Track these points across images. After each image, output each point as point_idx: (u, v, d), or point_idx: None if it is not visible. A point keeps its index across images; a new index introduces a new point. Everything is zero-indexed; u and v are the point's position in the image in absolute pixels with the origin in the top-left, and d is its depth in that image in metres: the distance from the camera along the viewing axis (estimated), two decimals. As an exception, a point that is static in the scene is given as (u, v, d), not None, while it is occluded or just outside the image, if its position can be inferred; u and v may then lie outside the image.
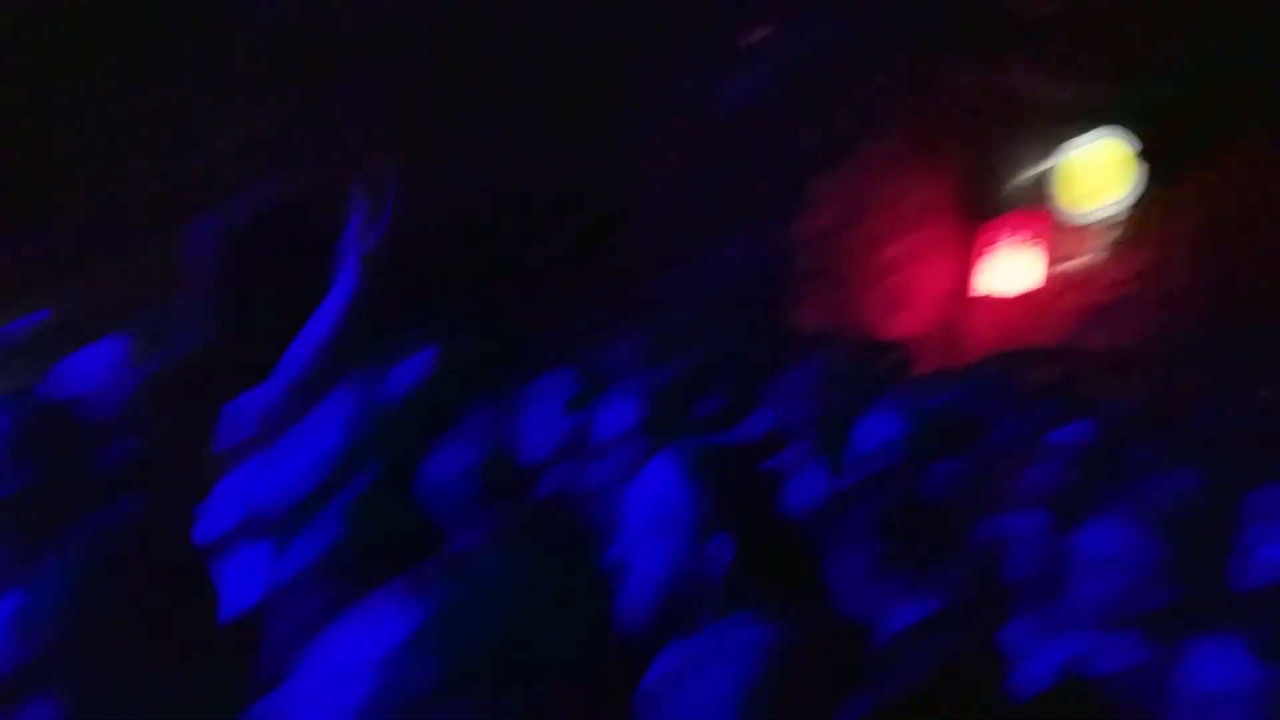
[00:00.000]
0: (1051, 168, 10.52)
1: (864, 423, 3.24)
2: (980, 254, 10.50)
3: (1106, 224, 10.66)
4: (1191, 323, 10.74)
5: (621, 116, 8.95)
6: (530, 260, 7.60)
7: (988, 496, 2.69)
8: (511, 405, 2.83)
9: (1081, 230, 10.67)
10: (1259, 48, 9.46)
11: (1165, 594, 2.18)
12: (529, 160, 7.83)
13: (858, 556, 2.06)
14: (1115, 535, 2.30)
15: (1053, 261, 10.57)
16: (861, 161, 10.02)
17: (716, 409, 4.26)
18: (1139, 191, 10.45)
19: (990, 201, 10.56)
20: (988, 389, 5.51)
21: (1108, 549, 2.32)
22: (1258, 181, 10.42)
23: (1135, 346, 10.62)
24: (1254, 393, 7.55)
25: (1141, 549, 2.26)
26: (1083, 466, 3.53)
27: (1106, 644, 2.10)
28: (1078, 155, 10.45)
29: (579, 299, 7.48)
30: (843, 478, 2.89)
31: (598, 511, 2.43)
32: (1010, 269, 10.39)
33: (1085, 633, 2.14)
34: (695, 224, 9.14)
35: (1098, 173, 10.49)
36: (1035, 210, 10.51)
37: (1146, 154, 10.28)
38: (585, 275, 7.97)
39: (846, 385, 4.57)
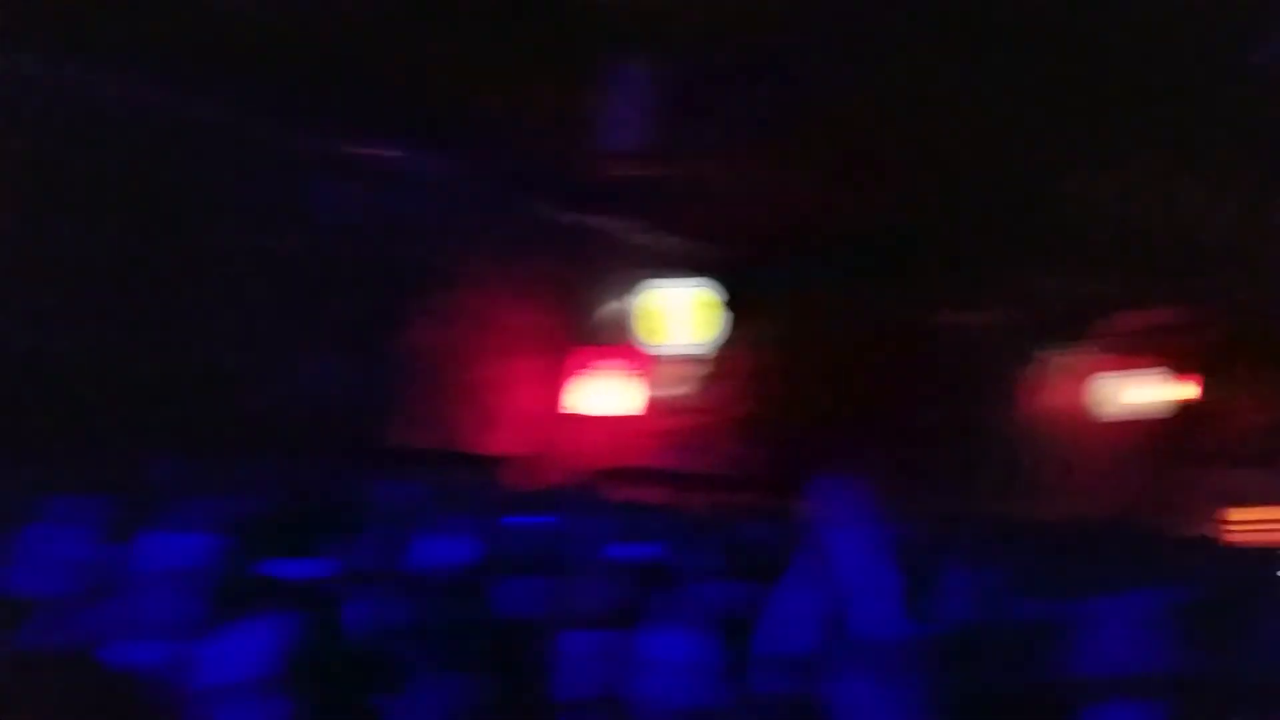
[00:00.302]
0: (642, 306, 11.54)
1: (446, 541, 3.18)
2: (574, 380, 11.08)
3: (689, 361, 11.87)
4: (755, 450, 12.21)
5: (213, 220, 8.48)
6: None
7: (561, 612, 2.72)
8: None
9: (667, 365, 11.74)
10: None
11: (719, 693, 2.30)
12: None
13: (432, 678, 1.96)
14: (675, 642, 2.39)
15: (640, 391, 11.45)
16: (461, 285, 10.28)
17: (295, 537, 4.01)
18: (719, 334, 11.80)
19: (585, 332, 11.26)
20: (571, 509, 5.74)
21: (668, 654, 2.40)
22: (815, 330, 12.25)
23: (707, 470, 11.80)
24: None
25: (698, 653, 2.36)
26: (651, 581, 3.72)
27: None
28: (667, 297, 11.62)
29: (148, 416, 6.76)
30: (417, 598, 2.80)
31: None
32: (601, 395, 11.08)
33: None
34: (284, 338, 8.75)
35: (684, 314, 11.73)
36: (626, 344, 11.39)
37: (727, 304, 11.68)
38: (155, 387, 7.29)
39: (436, 505, 4.50)
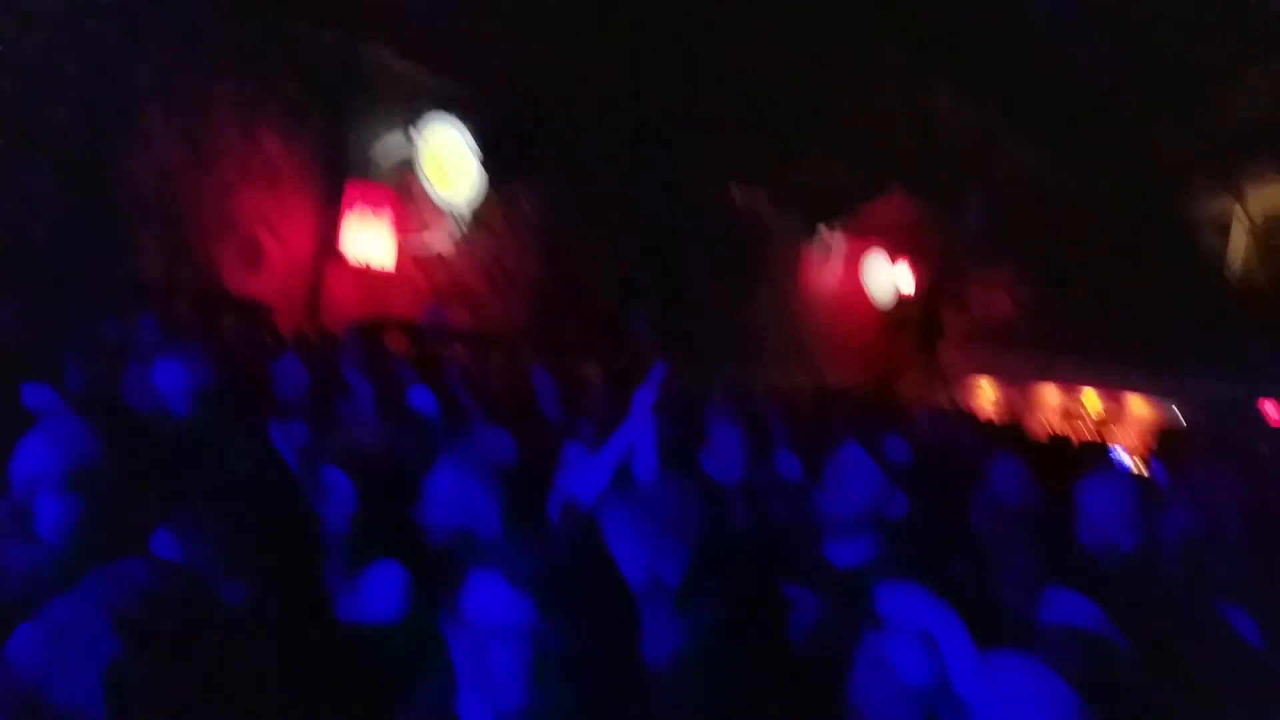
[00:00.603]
0: (409, 148, 10.95)
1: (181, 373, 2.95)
2: (338, 223, 10.47)
3: (457, 208, 11.47)
4: (531, 308, 12.18)
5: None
6: None
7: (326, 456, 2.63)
8: None
9: (433, 212, 11.30)
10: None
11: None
12: None
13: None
14: (447, 487, 2.36)
15: (407, 238, 10.99)
16: (207, 110, 9.32)
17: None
18: (487, 182, 11.43)
19: (345, 168, 10.58)
20: (346, 354, 5.54)
21: (447, 496, 2.38)
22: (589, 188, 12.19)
23: (483, 325, 11.68)
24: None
25: (475, 499, 2.35)
26: (422, 430, 3.68)
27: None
28: (432, 140, 11.05)
29: None
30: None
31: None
32: (366, 241, 10.54)
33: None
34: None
35: (449, 160, 11.22)
36: (390, 186, 10.81)
37: (492, 148, 11.26)
38: None
39: (176, 339, 4.18)
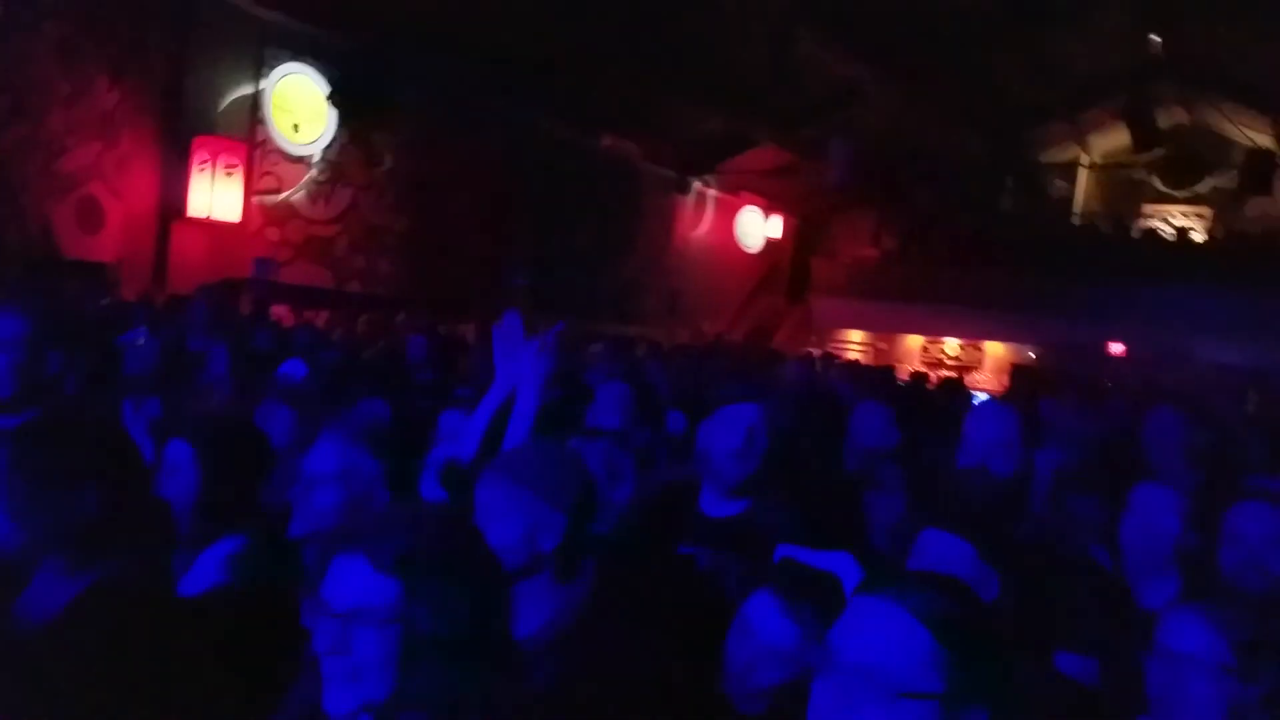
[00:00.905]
0: (253, 95, 10.34)
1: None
2: (185, 179, 9.84)
3: (311, 159, 10.93)
4: (394, 261, 11.75)
5: None
6: None
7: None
8: None
9: (285, 163, 10.75)
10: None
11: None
12: None
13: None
14: (325, 454, 2.23)
15: (255, 193, 10.44)
16: (31, 55, 8.53)
17: None
18: (336, 132, 10.88)
19: (191, 122, 9.92)
20: (196, 320, 5.23)
21: (320, 466, 2.27)
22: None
23: (336, 283, 11.20)
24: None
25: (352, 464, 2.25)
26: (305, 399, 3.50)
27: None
28: (277, 86, 10.46)
29: None
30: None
31: None
32: (216, 197, 9.96)
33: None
34: None
35: (299, 108, 10.65)
36: (239, 138, 10.22)
37: (338, 97, 10.72)
38: None
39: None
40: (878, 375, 6.80)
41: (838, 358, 6.45)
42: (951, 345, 17.51)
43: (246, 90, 10.31)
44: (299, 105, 10.65)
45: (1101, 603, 2.27)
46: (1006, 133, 16.90)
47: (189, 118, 9.88)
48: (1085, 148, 19.12)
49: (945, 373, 13.53)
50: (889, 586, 1.29)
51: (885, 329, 17.70)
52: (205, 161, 9.86)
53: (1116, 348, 14.86)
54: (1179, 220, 18.74)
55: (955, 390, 7.15)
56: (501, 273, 12.17)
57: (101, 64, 9.12)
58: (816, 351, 12.19)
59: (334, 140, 11.01)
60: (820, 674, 1.27)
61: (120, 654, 1.54)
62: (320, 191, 11.11)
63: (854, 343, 17.71)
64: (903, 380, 7.97)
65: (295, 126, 10.66)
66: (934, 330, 17.42)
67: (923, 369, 14.00)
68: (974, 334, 17.02)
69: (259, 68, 10.35)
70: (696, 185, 16.49)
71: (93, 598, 1.62)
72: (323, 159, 11.04)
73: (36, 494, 1.63)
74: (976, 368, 16.70)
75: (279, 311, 8.80)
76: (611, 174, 14.47)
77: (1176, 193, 18.92)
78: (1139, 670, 1.71)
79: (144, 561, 1.74)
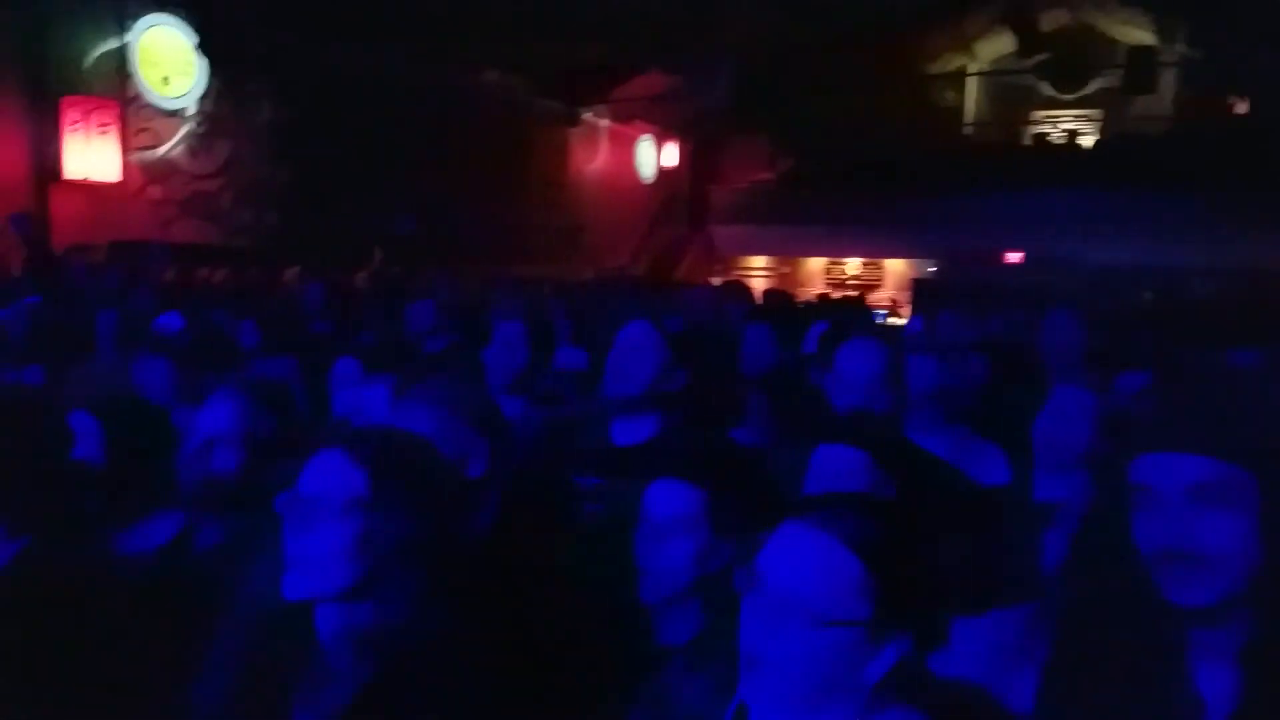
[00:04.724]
0: (119, 50, 9.85)
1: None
2: (55, 139, 9.37)
3: (183, 114, 10.50)
4: (281, 212, 11.35)
5: None
6: None
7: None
8: None
9: (160, 118, 10.31)
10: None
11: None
12: None
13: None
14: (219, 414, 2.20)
15: (131, 150, 10.00)
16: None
17: None
18: (208, 83, 10.49)
19: (57, 81, 9.44)
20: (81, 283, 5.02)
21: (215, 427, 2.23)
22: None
23: (224, 239, 10.81)
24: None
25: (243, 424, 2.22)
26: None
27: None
28: (142, 40, 9.99)
29: None
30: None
31: None
32: (85, 157, 9.52)
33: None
34: None
35: (167, 61, 10.20)
36: (108, 95, 9.75)
37: (208, 46, 10.32)
38: None
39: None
40: (778, 299, 6.89)
41: (740, 285, 6.54)
42: (853, 265, 17.81)
43: (111, 45, 9.83)
44: (167, 57, 10.20)
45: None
46: (891, 43, 16.88)
47: (54, 78, 9.42)
48: (972, 55, 19.29)
49: (845, 293, 13.82)
50: (816, 512, 1.30)
51: (787, 252, 17.87)
52: (76, 122, 9.47)
53: (1013, 256, 15.27)
54: (1068, 124, 19.17)
55: (855, 314, 7.27)
56: (391, 219, 11.89)
57: None
58: (717, 278, 12.25)
59: (208, 91, 10.57)
60: (747, 598, 1.29)
61: (49, 618, 1.59)
62: (200, 145, 10.71)
63: (757, 269, 17.86)
64: (803, 304, 8.09)
65: (165, 79, 10.22)
66: (835, 251, 17.65)
67: (826, 290, 14.27)
68: (874, 252, 17.29)
69: (122, 21, 9.87)
70: (587, 117, 16.24)
71: (22, 563, 1.67)
72: (198, 111, 10.60)
73: None
74: (879, 286, 17.04)
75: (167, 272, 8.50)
76: (497, 111, 14.15)
77: (1064, 96, 19.26)
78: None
79: (68, 528, 1.79)
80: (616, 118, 16.80)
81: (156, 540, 2.08)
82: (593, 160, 16.81)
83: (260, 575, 1.50)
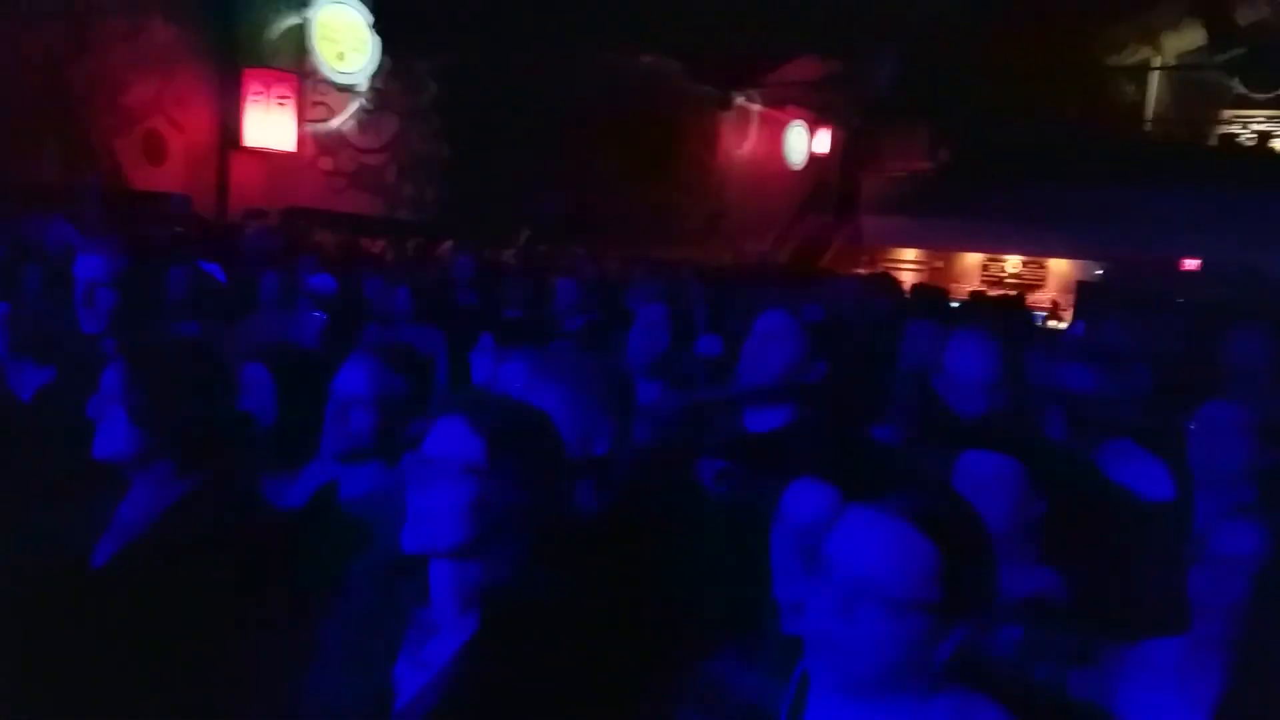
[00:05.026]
0: (299, 26, 10.39)
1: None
2: (237, 109, 9.99)
3: (354, 89, 10.99)
4: (440, 187, 11.82)
5: None
6: None
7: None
8: None
9: (333, 93, 10.83)
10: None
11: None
12: None
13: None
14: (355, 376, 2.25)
15: (306, 122, 10.55)
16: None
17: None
18: (380, 61, 10.92)
19: (241, 54, 10.04)
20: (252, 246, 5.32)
21: (351, 389, 2.29)
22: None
23: (386, 211, 11.33)
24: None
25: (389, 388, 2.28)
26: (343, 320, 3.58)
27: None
28: (321, 16, 10.49)
29: None
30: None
31: None
32: (264, 127, 10.10)
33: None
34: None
35: (343, 37, 10.68)
36: (288, 69, 10.30)
37: (382, 25, 10.72)
38: None
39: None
40: (932, 295, 6.63)
41: (889, 277, 6.34)
42: (1013, 263, 17.07)
43: (293, 21, 10.39)
44: (342, 34, 10.71)
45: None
46: (1070, 32, 16.01)
47: (240, 51, 10.06)
48: (1157, 48, 18.14)
49: (1005, 292, 13.23)
50: (889, 496, 1.30)
51: (941, 246, 17.22)
52: (258, 93, 10.07)
53: (1190, 263, 14.28)
54: (1260, 126, 17.81)
55: (1012, 314, 6.94)
56: (539, 198, 12.15)
57: (156, 3, 9.32)
58: (865, 270, 11.95)
59: (379, 69, 11.05)
60: (817, 583, 1.30)
61: (211, 556, 1.74)
62: (369, 120, 11.22)
63: (908, 262, 17.31)
64: (958, 302, 7.79)
65: (340, 55, 10.74)
66: (994, 247, 16.93)
67: (981, 288, 13.70)
68: (1036, 250, 16.51)
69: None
70: (739, 101, 16.07)
71: (190, 503, 1.83)
72: (370, 87, 11.07)
73: (149, 405, 1.82)
74: (1040, 286, 16.27)
75: (329, 240, 8.96)
76: (650, 94, 14.18)
77: (1257, 95, 17.89)
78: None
79: (234, 472, 1.94)
80: (769, 102, 16.56)
81: (307, 488, 2.19)
82: (740, 145, 16.65)
83: (389, 528, 1.56)
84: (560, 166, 12.53)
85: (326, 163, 10.93)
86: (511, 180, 11.91)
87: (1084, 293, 13.31)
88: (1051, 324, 10.95)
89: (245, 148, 10.11)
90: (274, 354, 2.42)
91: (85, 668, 1.66)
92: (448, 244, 8.90)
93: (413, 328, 3.90)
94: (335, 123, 10.95)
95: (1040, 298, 15.03)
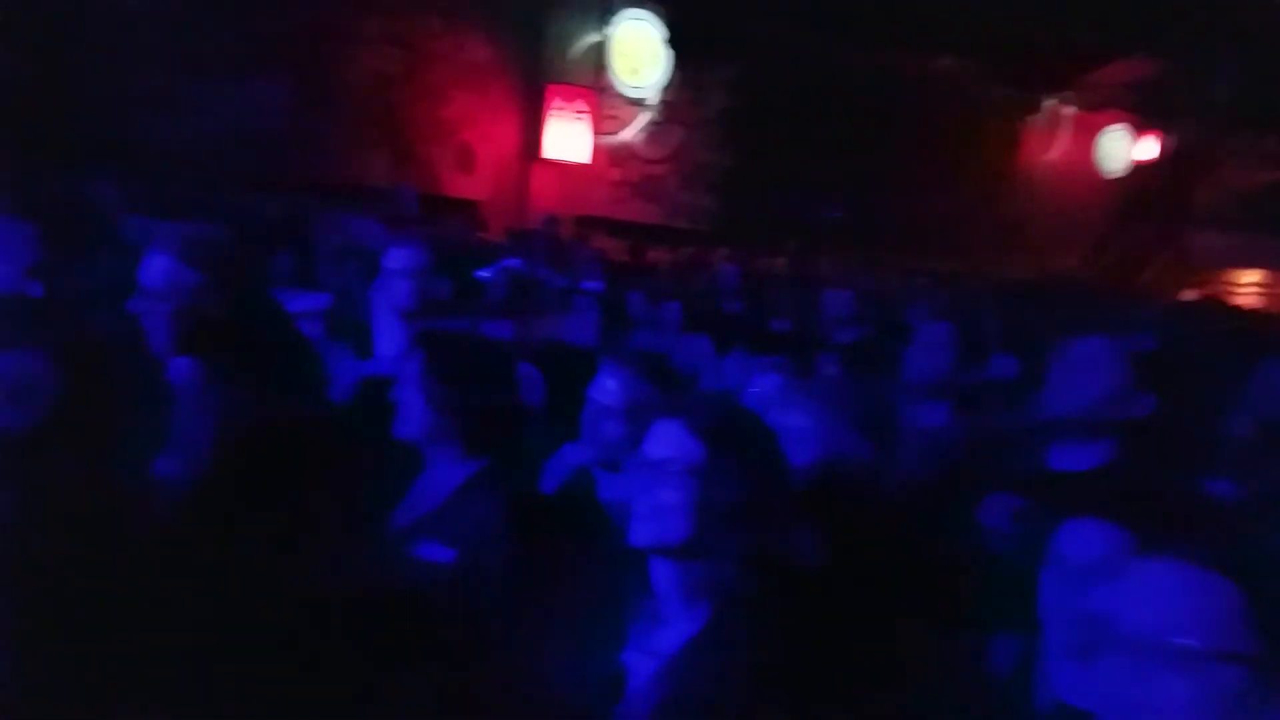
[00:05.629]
0: (598, 43, 10.85)
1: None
2: (537, 122, 10.62)
3: (644, 103, 11.34)
4: (717, 197, 11.98)
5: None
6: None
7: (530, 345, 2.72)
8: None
9: (624, 106, 11.23)
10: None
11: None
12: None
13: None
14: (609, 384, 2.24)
15: (599, 134, 11.00)
16: (413, 11, 9.62)
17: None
18: (670, 74, 11.24)
19: (544, 70, 10.65)
20: (547, 252, 5.57)
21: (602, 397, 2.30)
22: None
23: (665, 219, 11.64)
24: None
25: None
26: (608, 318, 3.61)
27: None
28: (619, 33, 10.93)
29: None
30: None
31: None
32: (562, 139, 10.63)
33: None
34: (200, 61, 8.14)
35: (639, 52, 11.07)
36: (584, 83, 10.78)
37: (675, 40, 11.03)
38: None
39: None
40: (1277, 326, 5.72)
41: (1230, 303, 5.52)
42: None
43: (593, 38, 10.95)
44: (637, 49, 11.13)
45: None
46: None
47: (544, 67, 10.75)
48: None
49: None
50: (1172, 543, 1.17)
51: (1286, 267, 15.06)
52: (559, 107, 10.71)
53: None
54: None
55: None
56: (820, 205, 11.91)
57: (476, 22, 10.16)
58: (1195, 294, 10.67)
59: (669, 82, 11.32)
60: (1104, 651, 1.17)
61: (494, 536, 1.91)
62: (655, 132, 11.55)
63: (1246, 285, 15.25)
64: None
65: (634, 70, 11.18)
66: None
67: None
68: None
69: (604, 15, 10.96)
70: (1048, 104, 14.87)
71: (477, 483, 2.02)
72: (659, 100, 11.36)
73: (443, 390, 2.01)
74: None
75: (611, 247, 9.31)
76: (945, 99, 13.44)
77: None
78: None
79: (516, 456, 2.14)
80: (1084, 106, 15.21)
81: (563, 475, 2.35)
82: (1045, 151, 15.38)
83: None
84: (842, 174, 12.22)
85: (614, 173, 11.36)
86: (790, 188, 11.78)
87: None
88: None
89: (543, 159, 10.69)
90: (547, 352, 2.63)
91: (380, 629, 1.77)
92: (722, 252, 8.92)
93: (681, 336, 3.90)
94: (625, 134, 11.32)
95: None
